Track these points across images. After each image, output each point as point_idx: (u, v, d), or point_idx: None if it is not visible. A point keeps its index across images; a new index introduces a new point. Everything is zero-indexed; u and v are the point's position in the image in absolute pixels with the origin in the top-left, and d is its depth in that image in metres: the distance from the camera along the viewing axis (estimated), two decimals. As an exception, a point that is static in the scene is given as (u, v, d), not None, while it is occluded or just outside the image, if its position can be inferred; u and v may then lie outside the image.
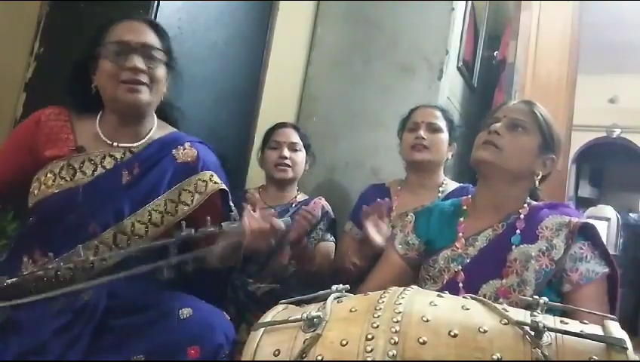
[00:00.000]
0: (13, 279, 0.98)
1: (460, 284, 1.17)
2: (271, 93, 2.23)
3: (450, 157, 1.82)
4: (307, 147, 1.95)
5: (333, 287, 0.89)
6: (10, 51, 1.58)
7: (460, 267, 1.19)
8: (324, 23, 2.57)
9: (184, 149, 1.24)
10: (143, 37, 1.17)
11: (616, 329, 0.71)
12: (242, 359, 0.76)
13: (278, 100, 2.32)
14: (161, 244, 1.06)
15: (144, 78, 1.15)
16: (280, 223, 1.14)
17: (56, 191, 1.12)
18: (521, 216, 1.21)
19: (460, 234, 1.25)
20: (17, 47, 1.60)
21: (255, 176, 2.12)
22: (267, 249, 1.15)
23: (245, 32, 2.03)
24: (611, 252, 1.16)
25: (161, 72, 1.19)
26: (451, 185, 1.80)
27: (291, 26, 2.37)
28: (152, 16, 1.54)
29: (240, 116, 2.10)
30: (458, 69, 2.50)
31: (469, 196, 1.35)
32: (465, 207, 1.31)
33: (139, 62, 1.13)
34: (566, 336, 0.70)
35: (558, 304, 0.96)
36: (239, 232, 1.10)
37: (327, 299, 0.83)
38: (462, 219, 1.28)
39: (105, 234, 1.12)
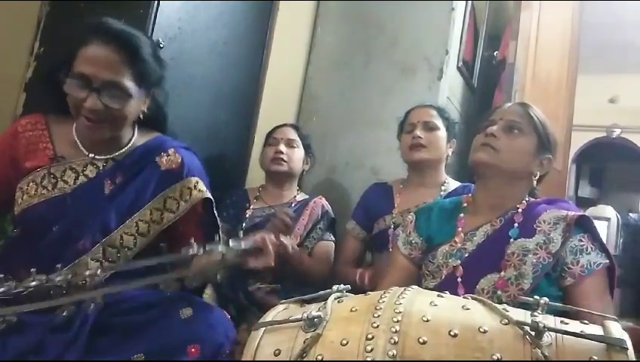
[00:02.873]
0: (19, 289, 0.96)
1: (459, 279, 1.18)
2: (271, 93, 2.23)
3: (450, 154, 1.83)
4: (307, 147, 1.96)
5: (334, 287, 0.89)
6: (10, 51, 1.58)
7: (459, 261, 1.20)
8: (324, 23, 2.57)
9: (168, 156, 1.21)
10: (107, 73, 1.07)
11: (616, 330, 0.71)
12: (243, 358, 0.76)
13: (278, 100, 2.32)
14: (165, 260, 1.04)
15: (104, 117, 1.09)
16: (287, 242, 1.12)
17: (39, 201, 1.10)
18: (519, 210, 1.22)
19: (459, 229, 1.26)
20: (17, 47, 1.59)
21: (255, 176, 2.12)
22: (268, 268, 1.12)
23: (245, 32, 2.03)
24: (611, 252, 1.17)
25: (127, 108, 1.11)
26: (453, 184, 1.81)
27: (291, 26, 2.37)
28: (152, 17, 1.53)
29: (240, 116, 2.10)
30: (458, 69, 2.50)
31: (470, 194, 1.36)
32: (465, 204, 1.32)
33: (97, 103, 1.06)
34: (566, 336, 0.70)
35: (559, 304, 0.96)
36: (239, 252, 1.06)
37: (327, 299, 0.83)
38: (462, 215, 1.29)
39: (94, 249, 1.10)
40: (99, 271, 1.01)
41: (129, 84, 1.10)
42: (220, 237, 1.16)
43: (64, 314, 0.98)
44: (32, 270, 0.94)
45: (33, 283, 0.93)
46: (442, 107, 1.93)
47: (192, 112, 1.78)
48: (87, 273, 0.99)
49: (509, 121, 1.25)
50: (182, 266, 1.03)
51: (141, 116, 1.19)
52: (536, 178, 1.25)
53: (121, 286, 1.00)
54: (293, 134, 1.92)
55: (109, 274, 1.08)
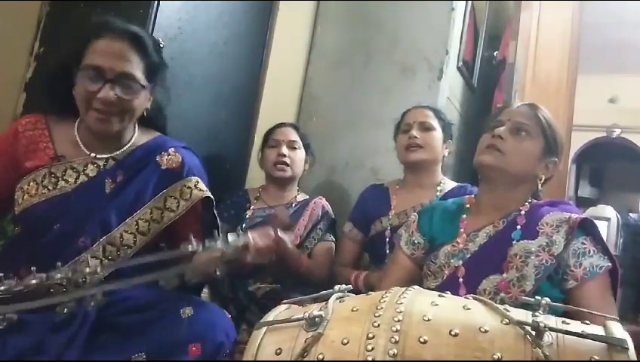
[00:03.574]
0: (19, 287, 0.95)
1: (460, 279, 1.18)
2: (271, 93, 2.23)
3: (446, 154, 1.84)
4: (307, 146, 1.95)
5: (336, 287, 0.89)
6: (10, 51, 1.58)
7: (461, 262, 1.20)
8: (324, 22, 2.57)
9: (168, 155, 1.22)
10: (120, 64, 1.09)
11: (617, 330, 0.70)
12: (244, 358, 0.77)
13: (278, 100, 2.32)
14: (165, 256, 1.03)
15: (116, 109, 1.10)
16: (285, 238, 1.11)
17: (40, 201, 1.11)
18: (522, 212, 1.22)
19: (462, 230, 1.26)
20: (17, 47, 1.59)
21: (255, 176, 2.12)
22: (268, 262, 1.12)
23: (245, 32, 2.03)
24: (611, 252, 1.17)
25: (137, 101, 1.13)
26: (449, 184, 1.81)
27: (291, 26, 2.37)
28: (152, 17, 1.53)
29: (240, 116, 2.10)
30: (458, 69, 2.50)
31: (473, 196, 1.36)
32: (468, 206, 1.32)
33: (110, 94, 1.08)
34: (567, 336, 0.70)
35: (560, 304, 0.96)
36: (238, 247, 1.05)
37: (329, 299, 0.83)
38: (464, 216, 1.29)
39: (94, 247, 1.10)
40: (99, 269, 1.01)
41: (140, 76, 1.13)
42: (219, 234, 1.15)
43: (65, 311, 0.97)
44: (32, 268, 0.94)
45: (33, 282, 0.93)
46: (438, 108, 1.93)
47: (192, 112, 1.78)
48: (87, 270, 0.99)
49: (516, 123, 1.23)
50: (181, 263, 1.03)
51: (144, 113, 1.20)
52: (542, 181, 1.25)
53: (121, 283, 0.99)
54: (294, 135, 1.91)
55: (108, 272, 1.08)
